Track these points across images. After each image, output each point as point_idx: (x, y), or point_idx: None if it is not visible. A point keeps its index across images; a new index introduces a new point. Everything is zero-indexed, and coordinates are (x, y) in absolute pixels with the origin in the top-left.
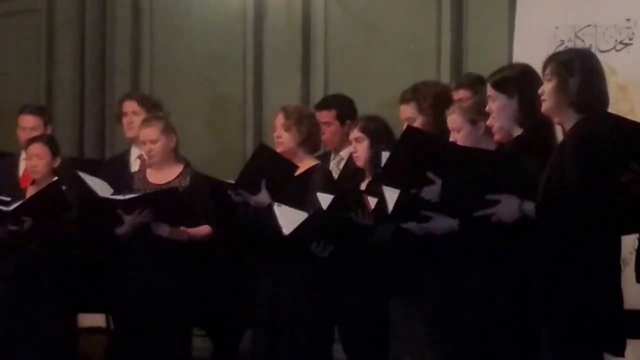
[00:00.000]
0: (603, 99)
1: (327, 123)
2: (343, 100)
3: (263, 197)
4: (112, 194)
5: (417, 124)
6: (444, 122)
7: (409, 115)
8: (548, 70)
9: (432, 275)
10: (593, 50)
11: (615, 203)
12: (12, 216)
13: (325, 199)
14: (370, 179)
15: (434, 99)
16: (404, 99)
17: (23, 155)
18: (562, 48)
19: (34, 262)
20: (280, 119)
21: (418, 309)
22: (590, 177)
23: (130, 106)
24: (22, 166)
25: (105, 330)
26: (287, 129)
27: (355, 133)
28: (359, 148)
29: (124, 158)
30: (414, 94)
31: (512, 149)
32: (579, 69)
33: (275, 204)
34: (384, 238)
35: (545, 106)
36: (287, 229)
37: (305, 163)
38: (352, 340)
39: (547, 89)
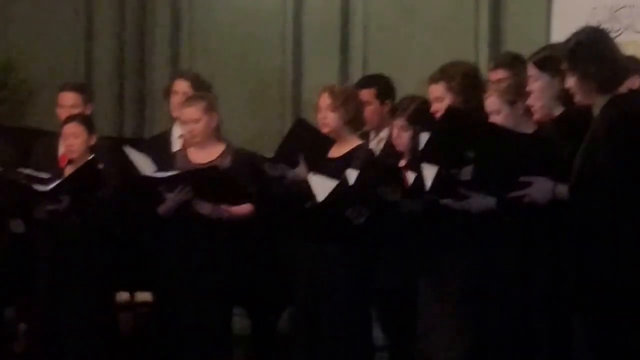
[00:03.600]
0: (625, 69)
1: (366, 102)
2: (382, 80)
3: (302, 170)
4: (155, 172)
5: (446, 104)
6: (474, 101)
7: (437, 95)
8: (565, 66)
9: (465, 254)
10: (629, 30)
11: None
12: (50, 195)
13: (355, 175)
14: (409, 159)
15: (462, 78)
16: (433, 79)
17: None
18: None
19: (72, 241)
20: (325, 100)
21: (448, 288)
22: (622, 158)
23: (182, 86)
24: (62, 145)
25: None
26: (333, 109)
27: (400, 122)
28: (403, 136)
29: (165, 137)
30: (442, 74)
31: (553, 128)
32: (591, 56)
33: (310, 173)
34: (417, 211)
35: (577, 99)
36: (320, 197)
37: (349, 143)
38: (389, 320)
39: (572, 85)
